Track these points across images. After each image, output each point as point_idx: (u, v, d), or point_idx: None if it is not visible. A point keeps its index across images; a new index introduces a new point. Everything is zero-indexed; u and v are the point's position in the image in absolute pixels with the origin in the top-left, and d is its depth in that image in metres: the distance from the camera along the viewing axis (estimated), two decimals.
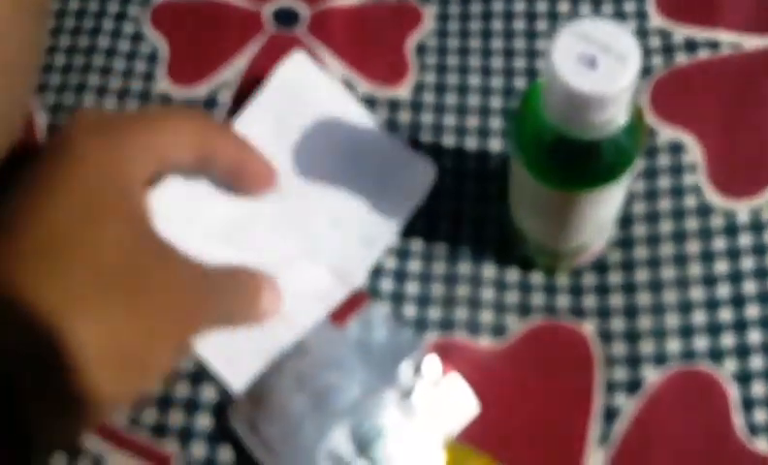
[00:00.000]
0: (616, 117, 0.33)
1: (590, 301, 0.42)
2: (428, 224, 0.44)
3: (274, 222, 0.43)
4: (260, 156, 0.43)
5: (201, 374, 0.41)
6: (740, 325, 0.41)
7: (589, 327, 0.42)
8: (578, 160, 0.35)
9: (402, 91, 0.48)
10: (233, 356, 0.41)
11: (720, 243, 0.43)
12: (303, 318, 0.41)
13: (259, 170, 0.43)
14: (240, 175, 0.42)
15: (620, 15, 0.49)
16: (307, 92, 0.46)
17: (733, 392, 0.40)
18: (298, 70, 0.46)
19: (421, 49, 0.49)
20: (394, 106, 0.47)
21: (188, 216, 0.42)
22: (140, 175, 0.37)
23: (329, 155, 0.45)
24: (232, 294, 0.40)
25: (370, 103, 0.47)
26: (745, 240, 0.43)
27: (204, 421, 0.41)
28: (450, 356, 0.41)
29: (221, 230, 0.43)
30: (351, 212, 0.44)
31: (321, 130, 0.45)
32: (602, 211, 0.38)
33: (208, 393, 0.41)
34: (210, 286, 0.38)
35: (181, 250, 0.37)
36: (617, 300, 0.42)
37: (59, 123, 0.48)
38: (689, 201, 0.44)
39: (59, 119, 0.48)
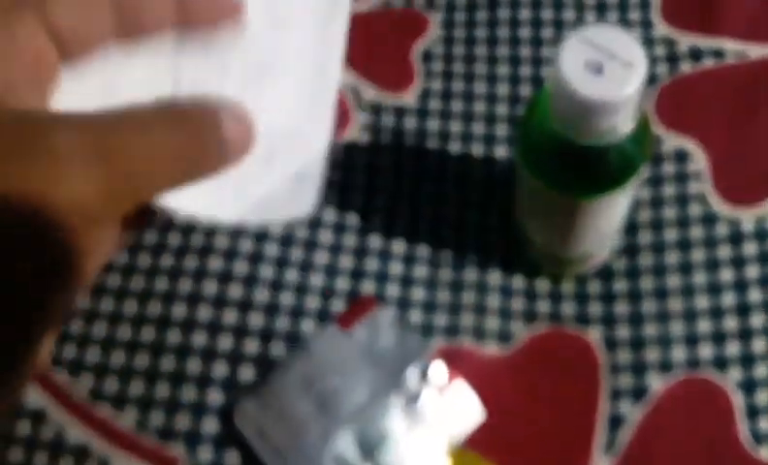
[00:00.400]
0: (622, 124, 0.33)
1: (595, 309, 0.43)
2: (433, 230, 0.45)
3: (210, 65, 0.31)
4: None
5: (207, 378, 0.42)
6: (745, 334, 0.41)
7: (594, 335, 0.42)
8: (584, 166, 0.35)
9: (409, 98, 0.48)
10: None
11: (725, 252, 0.43)
12: (316, 131, 0.32)
13: None
14: (189, 14, 0.29)
15: (624, 24, 0.49)
16: None
17: (738, 401, 0.40)
18: None
19: (427, 56, 0.49)
20: (400, 112, 0.48)
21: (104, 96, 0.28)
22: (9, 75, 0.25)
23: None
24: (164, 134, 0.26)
25: (377, 109, 0.48)
26: (750, 249, 0.43)
27: (210, 425, 0.41)
28: (456, 362, 0.41)
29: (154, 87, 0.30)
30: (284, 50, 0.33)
31: None
32: (608, 218, 0.38)
33: (215, 397, 0.41)
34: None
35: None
36: (622, 308, 0.42)
37: None
38: (694, 210, 0.44)
39: None
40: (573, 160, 0.35)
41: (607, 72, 0.32)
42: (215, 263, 0.44)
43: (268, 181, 0.31)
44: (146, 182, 0.24)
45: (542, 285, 0.43)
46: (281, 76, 0.33)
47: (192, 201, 0.29)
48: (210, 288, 0.43)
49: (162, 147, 0.25)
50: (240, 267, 0.44)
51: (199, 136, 0.26)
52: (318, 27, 0.34)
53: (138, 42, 0.27)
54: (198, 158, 0.26)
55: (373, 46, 0.50)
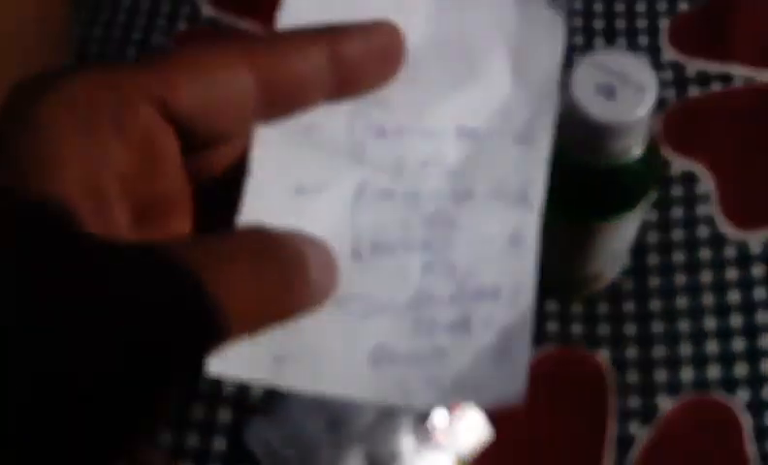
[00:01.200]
0: (632, 148, 0.34)
1: (603, 329, 0.43)
2: None
3: (393, 179, 0.27)
4: (365, 28, 0.24)
5: (217, 395, 0.42)
6: (753, 355, 0.41)
7: (603, 355, 0.42)
8: (595, 189, 0.36)
9: None
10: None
11: (732, 273, 0.43)
12: (517, 285, 0.26)
13: (377, 50, 0.25)
14: (349, 79, 0.24)
15: (633, 49, 0.50)
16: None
17: (746, 422, 0.40)
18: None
19: None
20: None
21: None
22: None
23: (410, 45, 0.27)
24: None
25: None
26: (757, 271, 0.43)
27: (220, 443, 0.41)
28: None
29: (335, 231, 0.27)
30: (483, 114, 0.28)
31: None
32: (617, 241, 0.39)
33: (225, 415, 0.41)
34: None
35: None
36: (630, 329, 0.43)
37: None
38: (702, 232, 0.44)
39: None
40: (584, 183, 0.36)
41: (619, 95, 0.33)
42: None
43: (464, 358, 0.25)
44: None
45: (551, 305, 0.44)
46: (480, 209, 0.27)
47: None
48: None
49: (250, 284, 0.21)
50: None
51: (285, 272, 0.23)
52: (520, 146, 0.28)
53: (280, 118, 0.24)
54: (283, 298, 0.23)
55: None
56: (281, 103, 0.23)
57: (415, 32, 0.28)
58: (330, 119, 0.26)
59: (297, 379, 0.25)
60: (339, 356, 0.25)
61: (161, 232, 0.23)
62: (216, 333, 0.20)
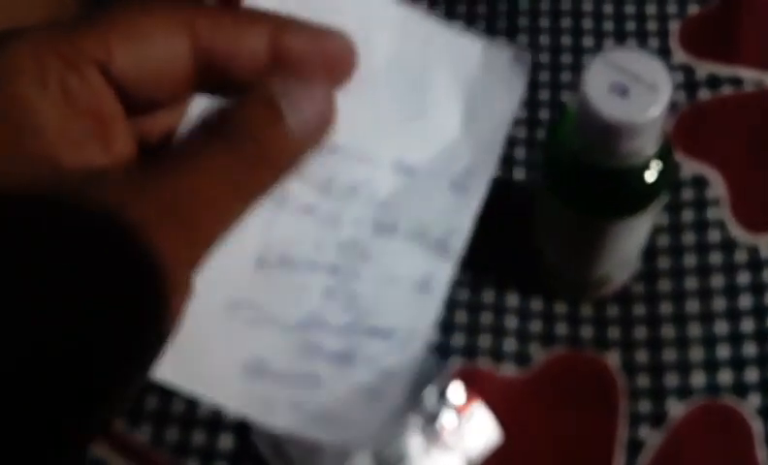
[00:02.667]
0: (645, 147, 0.33)
1: (614, 333, 0.42)
2: None
3: (318, 195, 0.27)
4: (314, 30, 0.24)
5: None
6: (764, 360, 0.41)
7: (612, 359, 0.42)
8: (608, 189, 0.35)
9: None
10: None
11: (744, 278, 0.43)
12: (412, 331, 0.27)
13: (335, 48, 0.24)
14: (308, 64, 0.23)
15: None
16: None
17: (757, 427, 0.40)
18: None
19: None
20: None
21: None
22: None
23: (367, 74, 0.26)
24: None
25: None
26: None
27: (226, 441, 0.41)
28: (473, 383, 0.41)
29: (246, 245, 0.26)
30: (424, 153, 0.28)
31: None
32: (629, 242, 0.38)
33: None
34: None
35: None
36: (641, 333, 0.42)
37: None
38: (713, 236, 0.44)
39: None
40: (597, 182, 0.35)
41: (632, 94, 0.32)
42: None
43: (334, 391, 0.25)
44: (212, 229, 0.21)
45: (560, 307, 0.43)
46: (397, 248, 0.27)
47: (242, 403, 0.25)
48: None
49: (216, 178, 0.21)
50: None
51: (246, 144, 0.21)
52: (454, 194, 0.28)
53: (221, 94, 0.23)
54: (250, 177, 0.21)
55: None
56: (215, 76, 0.22)
57: (375, 53, 0.27)
58: None
59: (176, 376, 0.25)
60: (217, 361, 0.25)
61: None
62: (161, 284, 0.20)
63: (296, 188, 0.26)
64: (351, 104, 0.26)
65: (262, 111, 0.21)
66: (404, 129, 0.28)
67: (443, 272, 0.27)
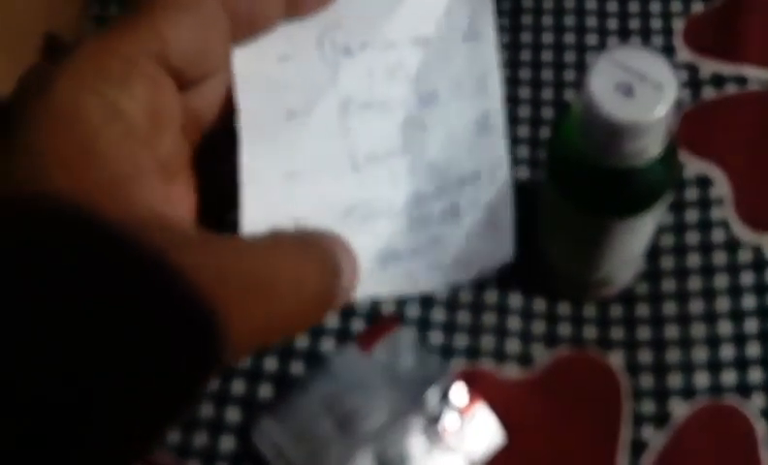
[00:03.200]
0: (651, 147, 0.33)
1: (617, 333, 0.42)
2: None
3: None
4: None
5: (225, 395, 0.41)
6: None
7: (616, 359, 0.42)
8: (612, 188, 0.35)
9: None
10: None
11: (747, 278, 0.43)
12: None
13: None
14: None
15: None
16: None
17: (760, 428, 0.40)
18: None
19: None
20: None
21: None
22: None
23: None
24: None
25: None
26: None
27: (228, 443, 0.40)
28: (476, 384, 0.41)
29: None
30: (430, 18, 0.30)
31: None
32: (633, 241, 0.38)
33: (233, 415, 0.41)
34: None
35: None
36: (644, 333, 0.42)
37: None
38: (717, 235, 0.44)
39: None
40: (601, 181, 0.35)
41: (638, 94, 0.32)
42: None
43: (457, 239, 0.29)
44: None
45: (563, 308, 0.43)
46: (446, 107, 0.29)
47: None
48: None
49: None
50: None
51: (325, 275, 0.23)
52: (469, 43, 0.31)
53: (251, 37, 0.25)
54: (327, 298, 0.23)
55: None
56: (246, 26, 0.24)
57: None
58: (300, 47, 0.27)
59: None
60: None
61: (167, 197, 0.22)
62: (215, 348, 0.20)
63: (348, 93, 0.28)
64: (357, 4, 0.29)
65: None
66: (407, 8, 0.30)
67: (493, 108, 0.29)
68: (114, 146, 0.20)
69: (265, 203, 0.27)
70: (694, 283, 0.43)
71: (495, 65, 0.30)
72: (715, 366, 0.41)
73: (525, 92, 0.48)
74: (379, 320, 0.42)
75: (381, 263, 0.29)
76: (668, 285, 0.43)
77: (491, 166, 0.29)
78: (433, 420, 0.39)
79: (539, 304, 0.43)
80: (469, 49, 0.30)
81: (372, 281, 0.28)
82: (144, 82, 0.21)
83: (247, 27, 0.24)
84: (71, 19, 0.49)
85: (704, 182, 0.45)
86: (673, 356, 0.41)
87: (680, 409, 0.40)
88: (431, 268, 0.29)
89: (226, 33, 0.23)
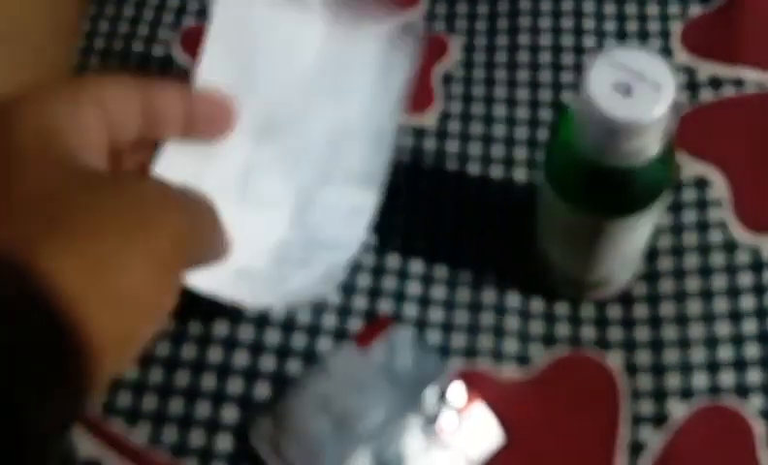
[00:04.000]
0: (649, 147, 0.33)
1: (615, 334, 0.42)
2: (452, 251, 0.44)
3: (279, 161, 0.41)
4: (209, 97, 0.38)
5: (222, 394, 0.41)
6: (766, 362, 0.41)
7: (614, 360, 0.42)
8: (610, 188, 0.35)
9: (428, 120, 0.48)
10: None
11: (745, 279, 0.43)
12: (351, 239, 0.40)
13: (211, 112, 0.38)
14: (193, 124, 0.37)
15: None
16: (255, 13, 0.41)
17: (759, 428, 0.40)
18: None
19: (447, 79, 0.49)
20: (419, 134, 0.48)
21: (195, 182, 0.36)
22: (78, 142, 0.31)
23: (301, 70, 0.41)
24: (198, 213, 0.34)
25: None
26: None
27: (224, 442, 0.40)
28: (474, 384, 0.41)
29: (229, 187, 0.39)
30: (349, 118, 0.41)
31: (284, 47, 0.41)
32: (631, 241, 0.38)
33: (230, 414, 0.41)
34: (173, 202, 0.32)
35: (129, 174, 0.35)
36: (642, 333, 0.42)
37: None
38: (715, 237, 0.44)
39: None
40: (599, 181, 0.35)
41: (636, 93, 0.32)
42: None
43: (298, 281, 0.39)
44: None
45: (561, 308, 0.43)
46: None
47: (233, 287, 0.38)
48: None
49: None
50: None
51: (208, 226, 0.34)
52: (372, 144, 0.41)
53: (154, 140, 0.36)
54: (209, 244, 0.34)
55: None
56: (153, 129, 0.35)
57: (307, 55, 0.41)
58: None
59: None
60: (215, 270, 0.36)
61: None
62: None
63: (260, 157, 0.40)
64: (296, 92, 0.41)
65: None
66: (334, 105, 0.41)
67: (369, 200, 0.40)
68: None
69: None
70: (692, 284, 0.43)
71: (384, 165, 0.41)
72: (713, 367, 0.41)
73: (522, 94, 0.49)
74: (377, 319, 0.42)
75: (238, 277, 0.38)
76: (666, 286, 0.43)
77: (349, 241, 0.41)
78: (431, 420, 0.39)
79: (537, 304, 0.43)
80: (371, 149, 0.41)
81: (227, 284, 0.37)
82: (88, 114, 0.32)
83: (154, 129, 0.35)
84: (71, 21, 0.49)
85: (702, 184, 0.45)
86: (671, 356, 0.41)
87: (678, 409, 0.40)
88: (271, 292, 0.39)
89: (138, 123, 0.34)
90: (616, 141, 0.33)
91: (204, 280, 0.36)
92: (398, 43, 0.41)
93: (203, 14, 0.52)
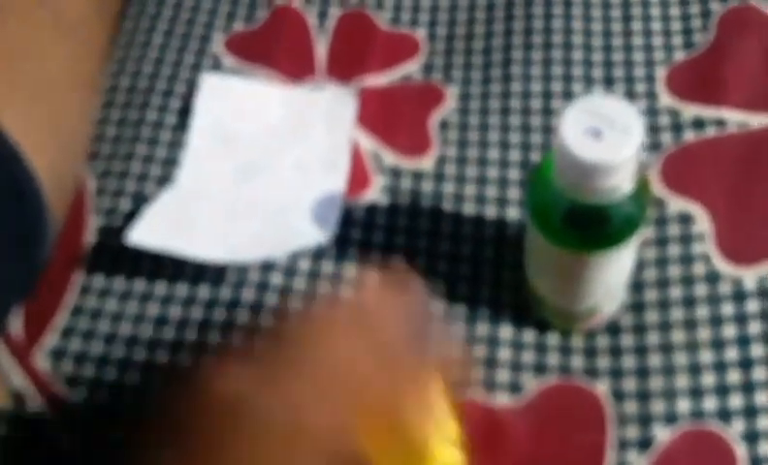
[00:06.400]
0: (621, 185, 0.36)
1: (603, 362, 0.44)
2: (447, 286, 0.47)
3: (257, 196, 0.51)
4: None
5: None
6: (748, 387, 0.43)
7: (602, 387, 0.44)
8: (588, 224, 0.38)
9: (426, 163, 0.51)
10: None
11: (727, 309, 0.45)
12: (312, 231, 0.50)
13: None
14: None
15: (630, 96, 0.52)
16: (232, 104, 0.54)
17: (741, 451, 0.41)
18: (214, 93, 0.54)
19: (444, 125, 0.53)
20: (417, 176, 0.51)
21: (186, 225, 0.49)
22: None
23: (270, 124, 0.53)
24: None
25: (396, 173, 0.51)
26: (752, 306, 0.45)
27: None
28: (467, 410, 0.43)
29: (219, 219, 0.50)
30: (309, 154, 0.52)
31: (255, 112, 0.54)
32: (612, 273, 0.41)
33: None
34: None
35: None
36: (629, 362, 0.44)
37: (106, 187, 0.52)
38: (698, 269, 0.46)
39: (107, 185, 0.52)
40: (577, 218, 0.38)
41: (606, 137, 0.35)
42: (225, 292, 0.47)
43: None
44: None
45: (552, 339, 0.45)
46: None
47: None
48: (220, 315, 0.46)
49: None
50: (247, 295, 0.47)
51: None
52: (329, 174, 0.51)
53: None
54: None
55: (394, 116, 0.53)
56: None
57: (273, 116, 0.54)
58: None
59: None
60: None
61: None
62: None
63: (243, 193, 0.52)
64: (264, 144, 0.53)
65: None
66: (296, 149, 0.53)
67: (314, 238, 0.49)
68: None
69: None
70: (677, 314, 0.45)
71: (341, 192, 0.51)
72: (696, 393, 0.43)
73: (515, 137, 0.51)
74: None
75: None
76: (652, 316, 0.45)
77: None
78: None
79: (528, 335, 0.46)
80: (328, 177, 0.51)
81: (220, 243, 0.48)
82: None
83: None
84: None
85: (686, 219, 0.48)
86: (656, 383, 0.43)
87: (663, 434, 0.42)
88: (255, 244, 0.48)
89: None
90: (589, 181, 0.35)
91: (150, 235, 0.47)
92: (339, 102, 0.53)
93: (217, 67, 0.56)
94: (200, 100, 0.53)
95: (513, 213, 0.49)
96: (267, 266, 0.48)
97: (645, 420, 0.43)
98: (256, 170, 0.52)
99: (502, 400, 0.44)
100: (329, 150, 0.52)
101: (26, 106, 0.44)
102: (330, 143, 0.52)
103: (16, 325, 0.47)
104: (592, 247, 0.39)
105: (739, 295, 0.45)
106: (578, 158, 0.35)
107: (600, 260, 0.39)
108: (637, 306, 0.46)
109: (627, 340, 0.45)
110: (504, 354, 0.45)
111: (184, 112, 0.54)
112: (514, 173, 0.50)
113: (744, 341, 0.44)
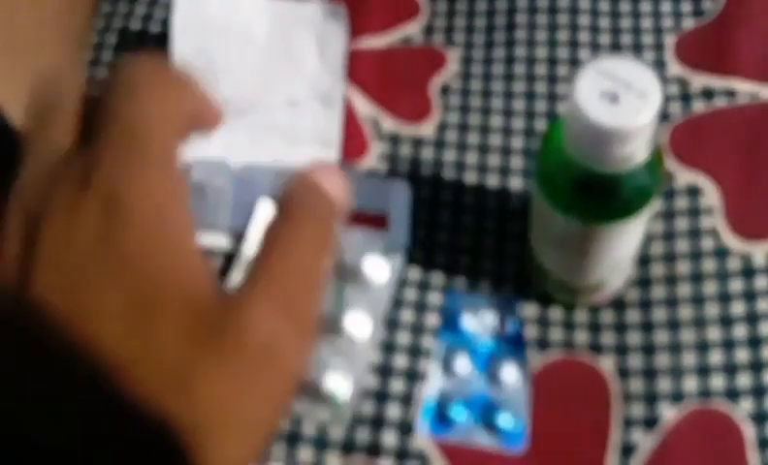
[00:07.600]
0: (636, 153, 0.34)
1: (608, 338, 0.43)
2: (448, 258, 0.45)
3: (252, 137, 0.48)
4: (211, 99, 0.32)
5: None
6: (756, 366, 0.42)
7: (607, 363, 0.42)
8: (599, 194, 0.36)
9: (426, 129, 0.49)
10: None
11: (736, 285, 0.44)
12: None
13: (214, 115, 0.33)
14: (198, 124, 0.31)
15: None
16: (214, 21, 0.50)
17: (749, 431, 0.40)
18: (192, 7, 0.51)
19: (445, 91, 0.51)
20: (417, 143, 0.49)
21: None
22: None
23: (255, 51, 0.50)
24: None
25: (395, 139, 0.49)
26: (761, 283, 0.44)
27: None
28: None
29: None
30: (300, 87, 0.49)
31: (239, 32, 0.50)
32: (621, 246, 0.39)
33: None
34: None
35: None
36: (635, 338, 0.43)
37: None
38: (707, 243, 0.45)
39: None
40: (588, 187, 0.36)
41: (622, 101, 0.33)
42: None
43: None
44: None
45: (555, 313, 0.44)
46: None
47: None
48: None
49: None
50: None
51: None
52: (325, 108, 0.49)
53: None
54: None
55: (393, 80, 0.51)
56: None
57: (259, 34, 0.50)
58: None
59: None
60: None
61: None
62: None
63: (238, 136, 0.49)
64: (253, 74, 0.49)
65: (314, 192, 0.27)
66: (288, 79, 0.49)
67: (331, 158, 0.48)
68: None
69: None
70: (684, 289, 0.44)
71: (338, 125, 0.48)
72: (704, 371, 0.42)
73: (519, 104, 0.50)
74: None
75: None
76: (658, 291, 0.44)
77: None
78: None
79: (532, 310, 0.44)
80: (324, 112, 0.49)
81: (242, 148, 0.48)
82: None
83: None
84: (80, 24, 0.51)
85: (694, 192, 0.46)
86: (663, 360, 0.42)
87: (669, 412, 0.41)
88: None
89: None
90: (603, 148, 0.34)
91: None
92: (330, 20, 0.50)
93: None
94: (177, 18, 0.49)
95: (516, 183, 0.47)
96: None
97: (651, 399, 0.41)
98: (246, 107, 0.49)
99: None
100: (322, 81, 0.49)
101: (10, 61, 0.42)
102: (323, 72, 0.49)
103: None
104: (602, 219, 0.37)
105: (748, 271, 0.44)
106: (593, 122, 0.33)
107: (609, 232, 0.38)
108: (643, 281, 0.44)
109: (633, 316, 0.44)
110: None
111: None
112: (517, 142, 0.49)
113: (752, 318, 0.43)
